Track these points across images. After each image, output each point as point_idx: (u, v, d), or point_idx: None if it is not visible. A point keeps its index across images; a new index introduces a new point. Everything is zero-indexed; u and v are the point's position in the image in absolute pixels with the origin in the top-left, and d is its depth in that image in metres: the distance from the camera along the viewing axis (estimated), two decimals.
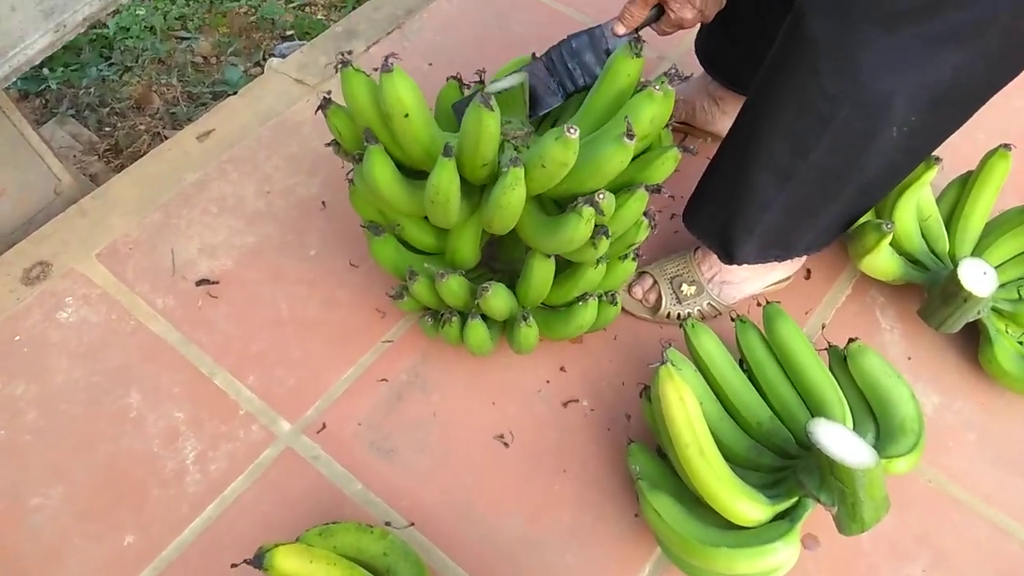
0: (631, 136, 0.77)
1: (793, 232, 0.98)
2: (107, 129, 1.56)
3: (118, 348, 1.07)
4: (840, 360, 0.96)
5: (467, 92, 1.04)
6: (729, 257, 1.01)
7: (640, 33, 0.93)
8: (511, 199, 0.81)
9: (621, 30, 0.92)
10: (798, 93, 0.83)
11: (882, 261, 1.05)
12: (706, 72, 1.21)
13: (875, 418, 0.91)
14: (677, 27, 0.92)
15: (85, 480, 0.97)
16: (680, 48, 1.42)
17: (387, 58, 0.78)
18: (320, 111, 0.89)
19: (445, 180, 0.82)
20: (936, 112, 0.83)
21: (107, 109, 1.58)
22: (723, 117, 1.23)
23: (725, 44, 1.15)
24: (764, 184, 0.91)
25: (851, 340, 0.95)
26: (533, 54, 1.00)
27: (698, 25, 0.94)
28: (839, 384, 0.93)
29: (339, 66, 0.83)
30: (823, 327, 1.09)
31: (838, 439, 0.78)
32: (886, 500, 0.79)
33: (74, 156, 1.47)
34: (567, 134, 0.76)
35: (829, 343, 0.99)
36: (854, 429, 0.89)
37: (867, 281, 1.12)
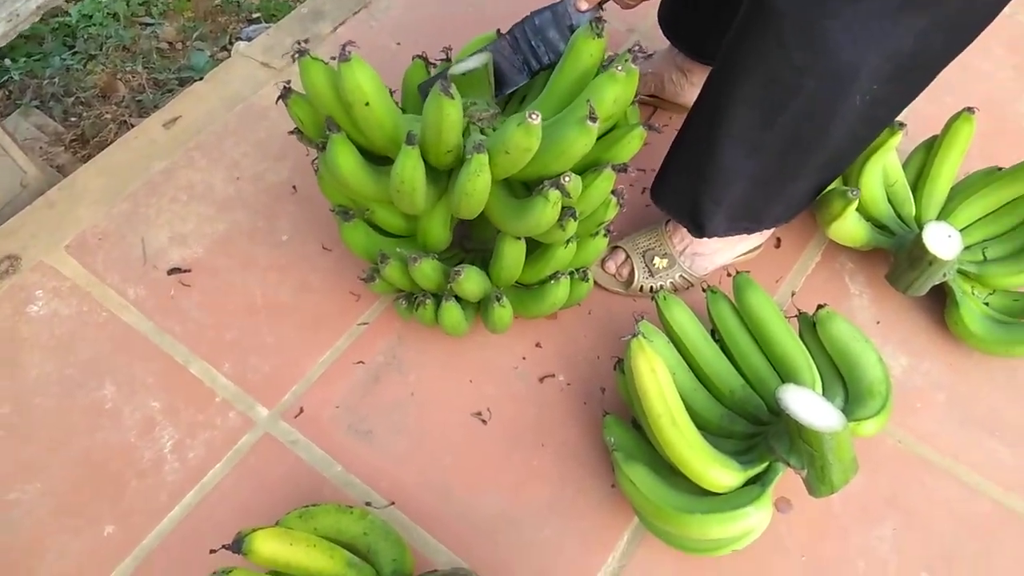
0: (594, 119, 0.77)
1: (761, 203, 0.98)
2: (72, 119, 1.53)
3: (90, 340, 1.07)
4: (810, 326, 0.98)
5: (433, 71, 1.03)
6: (699, 230, 1.02)
7: (604, 7, 0.92)
8: (476, 185, 0.81)
9: (584, 5, 0.91)
10: (763, 64, 0.83)
11: (849, 227, 1.06)
12: (669, 40, 1.21)
13: (844, 383, 0.93)
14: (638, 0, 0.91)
15: (62, 474, 0.97)
16: (648, 21, 1.42)
17: (344, 47, 0.78)
18: (281, 100, 0.88)
19: (409, 168, 0.81)
20: (898, 81, 0.83)
21: (72, 99, 1.55)
22: (692, 89, 1.23)
23: (688, 13, 1.14)
24: (731, 155, 0.91)
25: (820, 307, 0.97)
26: (498, 31, 1.00)
27: None
28: (809, 350, 0.94)
29: (296, 55, 0.82)
30: (793, 294, 1.10)
31: (807, 404, 0.79)
32: (854, 462, 0.81)
33: (40, 147, 1.45)
34: (529, 120, 0.75)
35: (799, 310, 1.00)
36: (823, 394, 0.91)
37: (836, 248, 1.14)
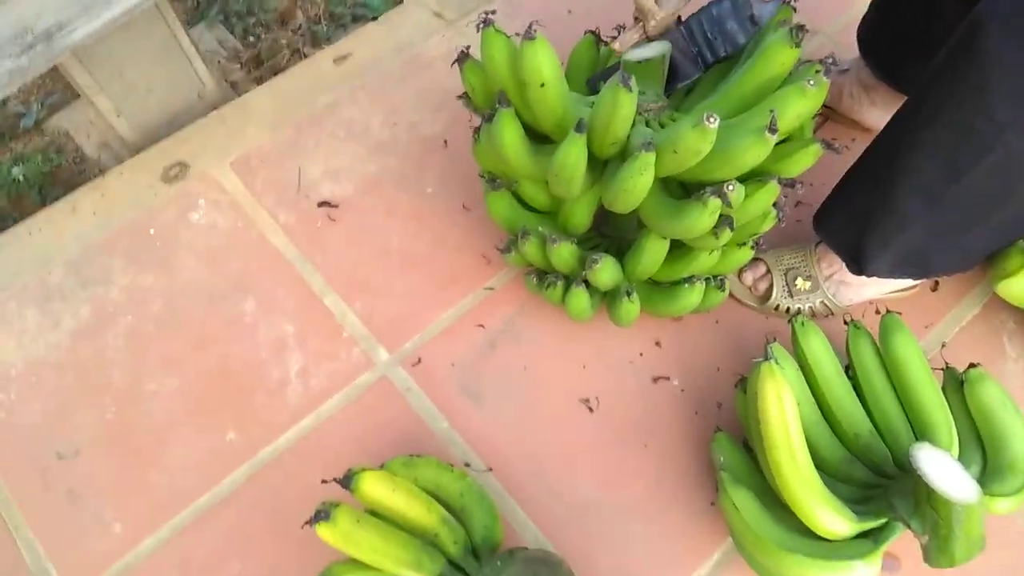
0: (773, 130, 0.73)
1: (933, 253, 0.92)
2: (251, 39, 1.61)
3: (240, 255, 1.14)
4: (956, 384, 0.91)
5: (603, 48, 1.01)
6: (858, 268, 0.96)
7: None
8: (638, 184, 0.80)
9: None
10: (960, 111, 0.76)
11: (1022, 287, 0.98)
12: (863, 58, 1.13)
13: (984, 451, 0.86)
14: None
15: (197, 375, 1.05)
16: (835, 24, 1.33)
17: (531, 25, 0.77)
18: (456, 64, 0.89)
19: (574, 156, 0.81)
20: None
21: (253, 19, 1.63)
22: (871, 107, 1.15)
23: (889, 34, 1.06)
24: (908, 203, 0.85)
25: (972, 365, 0.90)
26: (679, 18, 0.96)
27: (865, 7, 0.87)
28: (951, 409, 0.88)
29: (481, 24, 0.82)
30: (943, 345, 1.03)
31: (941, 467, 0.74)
32: (982, 539, 0.76)
33: (218, 62, 1.53)
34: (706, 123, 0.73)
35: (947, 364, 0.94)
36: (959, 459, 0.85)
37: (999, 304, 1.05)
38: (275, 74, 1.36)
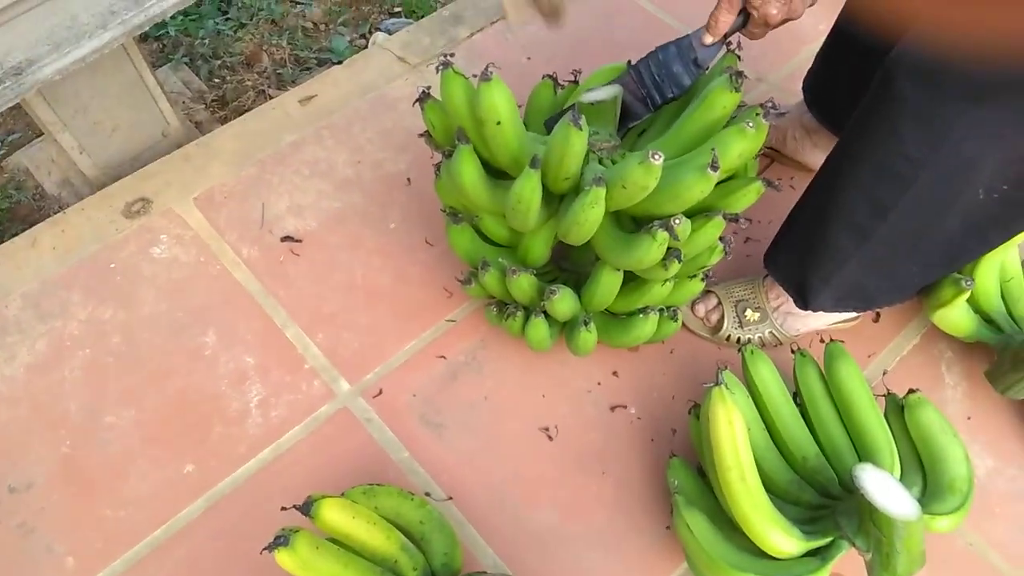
0: (715, 168, 0.78)
1: (871, 287, 0.97)
2: (216, 81, 1.64)
3: (202, 289, 1.14)
4: (897, 409, 0.95)
5: (560, 92, 1.06)
6: (804, 303, 1.01)
7: (730, 41, 0.93)
8: (589, 216, 0.84)
9: (709, 39, 0.91)
10: (879, 152, 0.82)
11: (956, 316, 1.03)
12: (806, 104, 1.20)
13: (924, 473, 0.90)
14: (764, 26, 0.88)
15: (156, 407, 1.04)
16: (779, 72, 1.41)
17: (488, 67, 0.81)
18: (418, 103, 0.93)
19: (528, 190, 0.85)
20: None
21: (219, 62, 1.66)
22: (814, 150, 1.22)
23: (832, 85, 1.13)
24: (841, 240, 0.90)
25: (911, 391, 0.94)
26: (629, 62, 1.02)
27: (811, 60, 0.93)
28: (892, 433, 0.92)
29: (440, 66, 0.86)
30: (884, 373, 1.08)
31: (883, 487, 0.78)
32: (922, 555, 0.79)
33: (183, 102, 1.55)
34: (651, 160, 0.77)
35: (888, 390, 0.98)
36: (901, 480, 0.89)
37: (937, 333, 1.11)
38: (240, 115, 1.39)
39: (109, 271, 1.16)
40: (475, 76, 0.84)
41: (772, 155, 1.28)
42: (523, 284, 0.96)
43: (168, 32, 1.74)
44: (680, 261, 0.87)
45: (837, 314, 1.07)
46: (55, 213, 1.25)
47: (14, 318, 1.12)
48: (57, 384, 1.06)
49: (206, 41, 1.71)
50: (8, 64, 0.95)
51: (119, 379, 1.07)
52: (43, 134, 1.48)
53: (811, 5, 0.88)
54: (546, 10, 0.91)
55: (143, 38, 1.73)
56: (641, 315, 0.97)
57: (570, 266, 1.07)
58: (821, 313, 1.06)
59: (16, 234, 1.23)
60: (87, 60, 1.02)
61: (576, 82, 1.05)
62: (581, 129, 0.80)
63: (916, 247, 0.89)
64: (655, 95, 0.95)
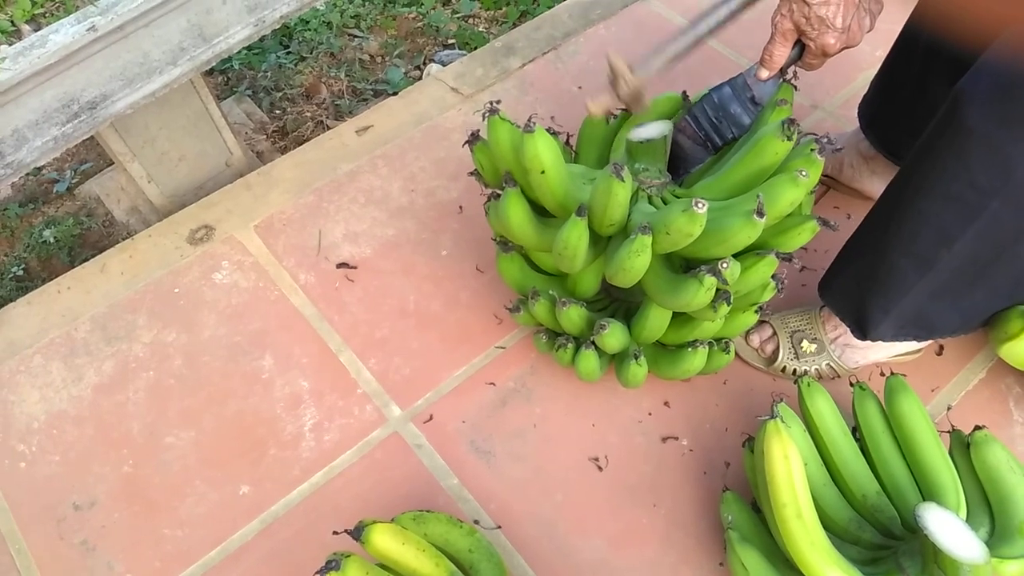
0: (761, 215, 0.77)
1: (934, 316, 0.94)
2: (277, 112, 1.69)
3: (260, 314, 1.17)
4: (962, 446, 0.92)
5: (613, 121, 1.07)
6: (863, 333, 0.98)
7: (787, 72, 0.92)
8: (635, 264, 0.84)
9: (765, 74, 0.90)
10: (946, 181, 0.80)
11: None
12: (862, 132, 1.18)
13: (992, 514, 0.86)
14: (822, 56, 0.87)
15: (214, 429, 1.07)
16: (834, 100, 1.39)
17: (531, 118, 0.83)
18: (467, 145, 0.94)
19: (575, 237, 0.85)
20: None
21: (280, 94, 1.72)
22: (871, 177, 1.19)
23: (888, 112, 1.11)
24: (904, 269, 0.88)
25: (977, 427, 0.91)
26: (684, 93, 1.02)
27: (867, 87, 0.92)
28: (957, 471, 0.89)
29: (487, 113, 0.88)
30: (948, 408, 1.04)
31: (948, 528, 0.75)
32: None
33: (246, 133, 1.61)
34: (694, 208, 0.77)
35: (953, 427, 0.95)
36: (967, 521, 0.85)
37: (1004, 368, 1.06)
38: (299, 144, 1.43)
39: (173, 295, 1.21)
40: (532, 118, 0.85)
41: (828, 183, 1.26)
42: (572, 316, 0.96)
43: (232, 66, 1.81)
44: (729, 304, 0.86)
45: (898, 346, 1.04)
46: (123, 239, 1.31)
47: (83, 340, 1.17)
48: (121, 405, 1.10)
49: (268, 74, 1.78)
50: (84, 99, 1.01)
51: (180, 401, 1.10)
52: (113, 164, 1.55)
53: (870, 30, 0.87)
54: (627, 99, 0.92)
55: (208, 72, 1.80)
56: (691, 348, 0.96)
57: (620, 295, 1.07)
58: (881, 345, 1.03)
59: (87, 259, 1.28)
60: (157, 94, 1.07)
61: (629, 112, 1.05)
62: (623, 180, 0.81)
63: (981, 277, 0.87)
64: (715, 138, 0.93)
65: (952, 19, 0.83)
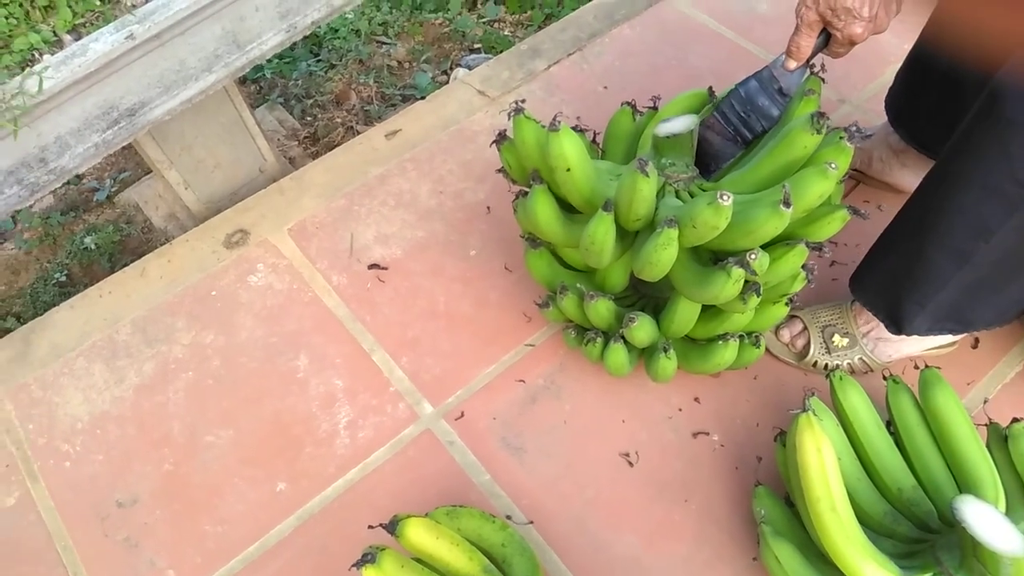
0: (787, 204, 0.77)
1: (969, 309, 0.93)
2: (308, 118, 1.73)
3: (295, 315, 1.20)
4: (1000, 439, 0.90)
5: (640, 119, 1.07)
6: (897, 328, 0.97)
7: (813, 62, 0.91)
8: (662, 257, 0.84)
9: (793, 65, 0.89)
10: (984, 173, 0.79)
11: None
12: (890, 124, 1.17)
13: None
14: (849, 44, 0.86)
15: (252, 428, 1.09)
16: (862, 93, 1.38)
17: (555, 117, 0.84)
18: (495, 144, 0.96)
19: (601, 232, 0.86)
20: None
21: (311, 101, 1.75)
22: (902, 170, 1.18)
23: (915, 105, 1.10)
24: (940, 263, 0.87)
25: (1015, 420, 0.89)
26: (710, 89, 1.02)
27: (892, 80, 0.91)
28: (995, 464, 0.88)
29: (512, 113, 0.89)
30: (985, 401, 1.03)
31: (987, 520, 0.74)
32: None
33: (278, 139, 1.64)
34: (720, 201, 0.77)
35: (990, 419, 0.93)
36: (1006, 513, 0.84)
37: None
38: (330, 150, 1.46)
39: (211, 298, 1.24)
40: (550, 127, 0.86)
41: (858, 177, 1.25)
42: (601, 309, 0.96)
43: (264, 74, 1.85)
44: (759, 295, 0.86)
45: (932, 340, 1.03)
46: (162, 245, 1.34)
47: (124, 343, 1.20)
48: (162, 405, 1.13)
49: (299, 82, 1.81)
50: (123, 106, 1.04)
51: (218, 401, 1.13)
52: (151, 171, 1.60)
53: (896, 13, 0.86)
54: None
55: (242, 81, 1.85)
56: (721, 342, 0.96)
57: (649, 291, 1.07)
58: (915, 338, 1.02)
59: (127, 264, 1.32)
60: (193, 101, 1.10)
61: (655, 108, 1.06)
62: (648, 176, 0.81)
63: (1020, 269, 0.86)
64: (744, 132, 0.93)
65: (965, 41, 0.82)
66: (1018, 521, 0.83)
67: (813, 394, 0.87)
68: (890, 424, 0.94)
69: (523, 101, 0.90)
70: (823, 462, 0.80)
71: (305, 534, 1.00)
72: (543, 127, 0.89)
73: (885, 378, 0.96)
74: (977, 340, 1.08)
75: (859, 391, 0.93)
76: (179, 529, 1.02)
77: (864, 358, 1.05)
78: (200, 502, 1.04)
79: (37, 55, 0.99)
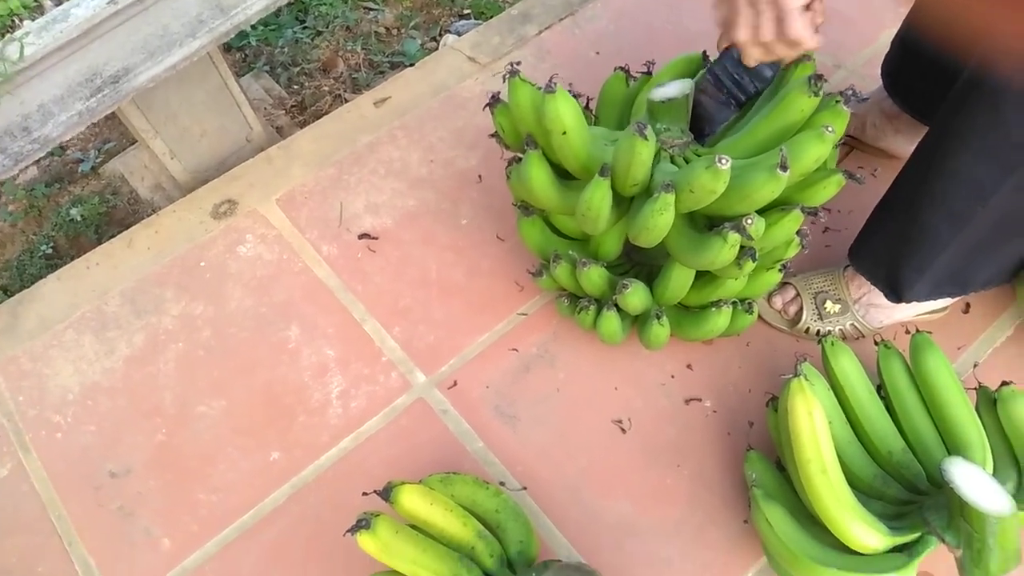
0: (784, 168, 0.76)
1: (968, 271, 0.93)
2: (295, 87, 1.70)
3: (285, 285, 1.19)
4: (989, 403, 0.91)
5: (633, 84, 1.06)
6: (897, 296, 0.98)
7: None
8: (659, 222, 0.84)
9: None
10: (979, 138, 0.79)
11: None
12: (885, 91, 1.16)
13: (1019, 468, 0.86)
14: None
15: (244, 398, 1.09)
16: (857, 58, 1.37)
17: (551, 79, 0.83)
18: (488, 108, 0.94)
19: (598, 198, 0.85)
20: None
21: (297, 69, 1.72)
22: (895, 136, 1.18)
23: (911, 71, 1.09)
24: (938, 228, 0.87)
25: (1004, 383, 0.90)
26: (704, 52, 1.01)
27: (888, 45, 0.90)
28: (984, 427, 0.88)
29: (507, 75, 0.88)
30: (975, 365, 1.03)
31: (974, 481, 0.75)
32: (1018, 553, 0.76)
33: (265, 108, 1.62)
34: (717, 164, 0.76)
35: (980, 383, 0.94)
36: (994, 475, 0.85)
37: None
38: (318, 118, 1.44)
39: (199, 269, 1.22)
40: (543, 87, 0.85)
41: (852, 143, 1.24)
42: (593, 276, 0.96)
43: (249, 42, 1.81)
44: (755, 260, 0.86)
45: (924, 305, 1.04)
46: (148, 216, 1.33)
47: (113, 314, 1.19)
48: (152, 376, 1.12)
49: (285, 49, 1.78)
50: (107, 73, 1.02)
51: (209, 371, 1.12)
52: (136, 142, 1.57)
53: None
54: None
55: (226, 48, 1.81)
56: (714, 308, 0.96)
57: (642, 259, 1.07)
58: (907, 304, 1.03)
59: (113, 236, 1.30)
60: (178, 67, 1.08)
61: (649, 73, 1.04)
62: (646, 139, 0.80)
63: (1017, 230, 0.86)
64: (738, 94, 0.92)
65: (945, 26, 0.81)
66: (1005, 482, 0.85)
67: (805, 359, 0.87)
68: (881, 388, 0.94)
69: (518, 63, 0.89)
70: (814, 425, 0.81)
71: (299, 502, 1.00)
72: (539, 89, 0.88)
73: (876, 343, 0.96)
74: (968, 305, 1.09)
75: (850, 356, 0.93)
76: (173, 498, 1.02)
77: (856, 324, 1.05)
78: (194, 471, 1.04)
79: (17, 21, 0.96)
